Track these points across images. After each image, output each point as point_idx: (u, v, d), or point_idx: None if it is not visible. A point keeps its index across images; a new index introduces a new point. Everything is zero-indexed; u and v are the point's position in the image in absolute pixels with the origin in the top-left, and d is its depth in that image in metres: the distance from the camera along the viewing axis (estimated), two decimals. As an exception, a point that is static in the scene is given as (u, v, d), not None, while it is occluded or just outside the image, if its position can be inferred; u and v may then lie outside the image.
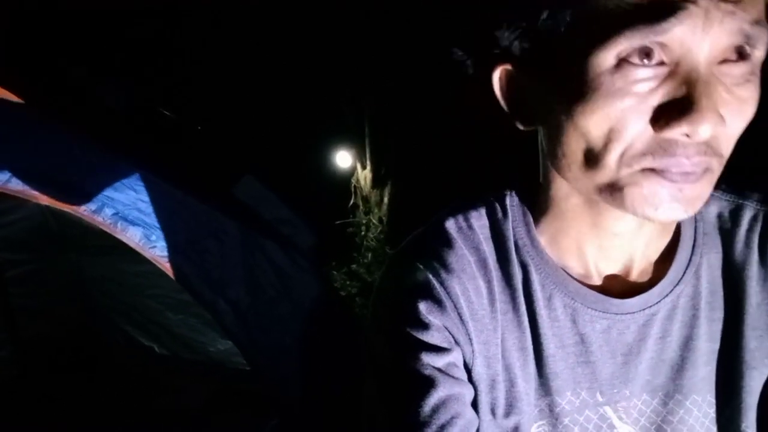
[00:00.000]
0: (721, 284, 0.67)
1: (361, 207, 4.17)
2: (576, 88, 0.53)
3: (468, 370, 0.66)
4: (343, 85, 3.97)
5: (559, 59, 0.54)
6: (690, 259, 0.66)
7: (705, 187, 0.54)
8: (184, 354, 2.65)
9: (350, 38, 3.71)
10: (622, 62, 0.51)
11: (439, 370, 0.63)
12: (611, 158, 0.54)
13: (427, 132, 3.68)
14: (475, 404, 0.65)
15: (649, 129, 0.51)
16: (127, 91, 2.28)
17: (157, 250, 1.85)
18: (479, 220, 0.70)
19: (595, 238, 0.65)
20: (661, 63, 0.51)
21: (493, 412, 0.66)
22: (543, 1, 0.53)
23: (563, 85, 0.54)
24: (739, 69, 0.51)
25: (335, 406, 1.93)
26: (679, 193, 0.53)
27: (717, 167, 0.53)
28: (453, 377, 0.63)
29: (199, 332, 2.57)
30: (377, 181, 4.11)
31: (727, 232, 0.67)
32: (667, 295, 0.65)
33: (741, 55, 0.51)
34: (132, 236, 1.84)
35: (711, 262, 0.67)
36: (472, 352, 0.65)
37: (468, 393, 0.64)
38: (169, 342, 2.68)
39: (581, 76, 0.52)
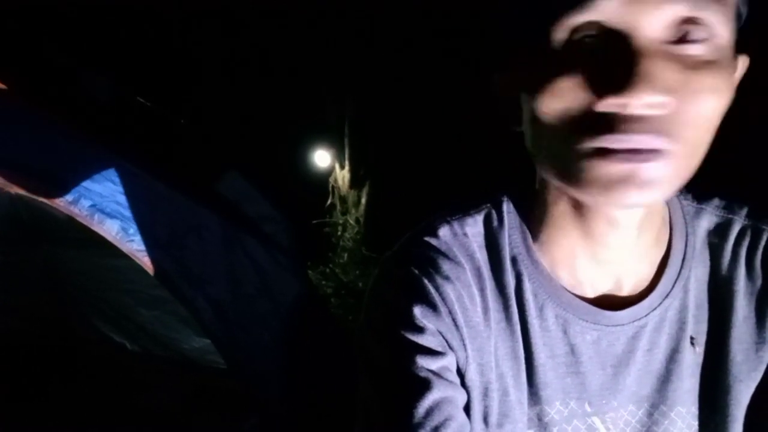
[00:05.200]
0: (707, 298, 0.67)
1: (338, 207, 4.15)
2: (533, 75, 0.55)
3: (461, 375, 0.66)
4: (325, 85, 3.96)
5: (524, 55, 0.57)
6: (679, 273, 0.67)
7: (662, 171, 0.52)
8: (157, 351, 2.61)
9: (333, 39, 3.71)
10: (567, 44, 0.53)
11: (434, 372, 0.63)
12: (566, 139, 0.54)
13: (407, 134, 3.69)
14: (467, 411, 0.65)
15: (594, 104, 0.52)
16: (111, 82, 2.23)
17: (134, 244, 1.82)
18: (474, 227, 0.70)
19: (588, 249, 0.65)
20: (603, 40, 0.52)
21: (485, 420, 0.66)
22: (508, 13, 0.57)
23: (528, 78, 0.56)
24: (694, 50, 0.51)
25: (314, 405, 1.92)
26: (630, 174, 0.52)
27: (675, 152, 0.52)
28: (447, 380, 0.63)
29: (174, 329, 2.53)
30: (355, 182, 4.11)
31: (715, 246, 0.68)
32: (655, 308, 0.66)
33: (686, 35, 0.51)
34: (109, 229, 1.81)
35: (698, 276, 0.68)
36: (466, 357, 0.66)
37: (461, 397, 0.65)
38: (143, 339, 2.63)
39: (536, 63, 0.55)
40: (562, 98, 0.53)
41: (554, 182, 0.60)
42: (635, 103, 0.49)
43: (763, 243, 0.66)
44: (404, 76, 3.58)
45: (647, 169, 0.51)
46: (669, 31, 0.51)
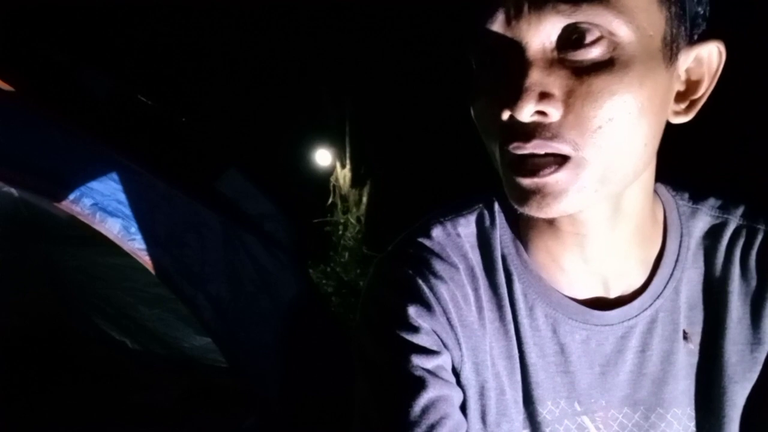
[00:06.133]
0: (701, 299, 0.68)
1: (339, 206, 4.15)
2: (470, 92, 0.60)
3: (456, 374, 0.67)
4: (325, 84, 3.96)
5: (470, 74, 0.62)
6: (671, 274, 0.67)
7: (569, 180, 0.54)
8: (157, 350, 2.61)
9: (333, 37, 3.71)
10: (484, 63, 0.57)
11: (429, 371, 0.63)
12: (492, 147, 0.59)
13: (408, 133, 3.69)
14: (464, 411, 0.66)
15: (500, 116, 0.55)
16: (111, 80, 2.23)
17: (136, 243, 1.82)
18: (467, 227, 0.71)
19: (564, 247, 0.66)
20: (503, 56, 0.55)
21: (483, 420, 0.66)
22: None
23: (469, 94, 0.61)
24: (586, 54, 0.52)
25: (313, 403, 1.93)
26: (537, 185, 0.54)
27: (581, 158, 0.53)
28: (442, 379, 0.64)
29: (174, 328, 2.53)
30: (356, 181, 4.10)
31: (709, 247, 0.68)
32: (646, 309, 0.66)
33: (580, 40, 0.52)
34: (110, 228, 1.81)
35: (691, 277, 0.68)
36: (461, 356, 0.66)
37: (456, 396, 0.65)
38: (143, 337, 2.63)
39: (472, 81, 0.60)
40: (482, 112, 0.58)
41: None
42: (521, 113, 0.52)
43: (758, 243, 0.66)
44: (405, 75, 3.58)
45: (552, 180, 0.54)
46: (559, 40, 0.52)
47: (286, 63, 3.91)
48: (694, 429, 0.67)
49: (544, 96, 0.52)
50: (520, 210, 0.57)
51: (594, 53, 0.52)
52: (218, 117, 3.82)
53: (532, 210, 0.56)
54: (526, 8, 0.52)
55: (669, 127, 0.61)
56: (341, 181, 4.14)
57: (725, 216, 0.69)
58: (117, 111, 2.22)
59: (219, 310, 1.88)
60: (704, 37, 0.58)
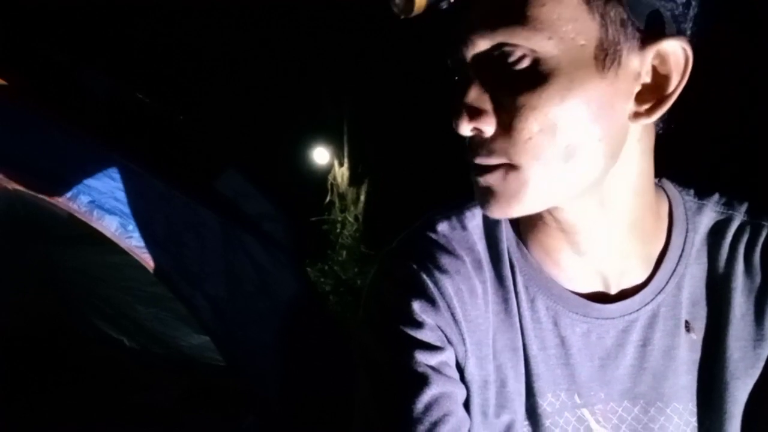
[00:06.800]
0: (704, 295, 0.68)
1: (337, 204, 4.14)
2: None
3: (460, 370, 0.67)
4: (324, 83, 3.95)
5: None
6: (674, 269, 0.67)
7: (510, 185, 0.58)
8: (155, 349, 2.60)
9: (333, 37, 3.71)
10: (453, 81, 0.60)
11: (432, 368, 0.63)
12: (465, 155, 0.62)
13: (406, 131, 3.69)
14: (466, 405, 0.66)
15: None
16: (110, 79, 2.24)
17: (133, 241, 1.82)
18: (473, 220, 0.71)
19: (555, 242, 0.66)
20: (459, 77, 0.59)
21: (484, 412, 0.66)
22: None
23: None
24: (512, 71, 0.55)
25: (312, 402, 1.93)
26: (486, 188, 0.59)
27: (521, 167, 0.57)
28: (446, 376, 0.64)
29: (172, 327, 2.52)
30: (354, 179, 4.09)
31: (713, 243, 0.68)
32: (647, 303, 0.66)
33: (506, 57, 0.54)
34: (108, 225, 1.81)
35: (694, 272, 0.68)
36: (465, 352, 0.66)
37: (460, 392, 0.65)
38: (141, 336, 2.62)
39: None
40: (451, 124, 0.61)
41: None
42: (460, 130, 0.57)
43: (762, 239, 0.66)
44: (404, 75, 3.58)
45: (495, 184, 0.58)
46: (489, 59, 0.56)
47: (286, 63, 3.91)
48: (695, 424, 0.67)
49: (477, 113, 0.56)
50: (483, 211, 0.62)
51: (518, 69, 0.54)
52: (218, 117, 3.81)
53: (489, 210, 0.60)
54: (464, 31, 0.56)
55: (669, 126, 0.61)
56: (339, 180, 4.13)
57: (730, 212, 0.69)
58: (116, 111, 2.21)
59: (217, 310, 1.88)
60: (675, 35, 0.55)
